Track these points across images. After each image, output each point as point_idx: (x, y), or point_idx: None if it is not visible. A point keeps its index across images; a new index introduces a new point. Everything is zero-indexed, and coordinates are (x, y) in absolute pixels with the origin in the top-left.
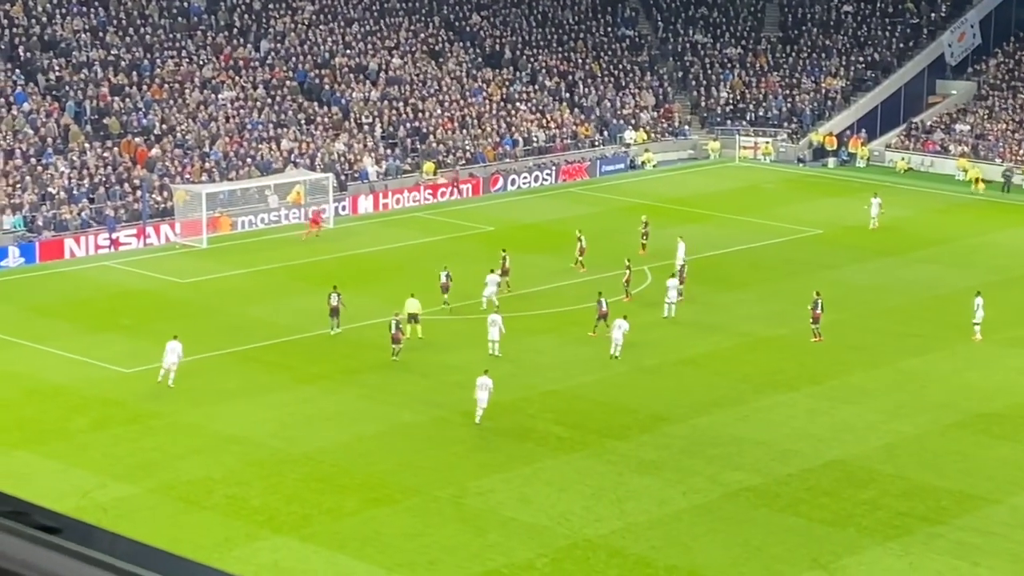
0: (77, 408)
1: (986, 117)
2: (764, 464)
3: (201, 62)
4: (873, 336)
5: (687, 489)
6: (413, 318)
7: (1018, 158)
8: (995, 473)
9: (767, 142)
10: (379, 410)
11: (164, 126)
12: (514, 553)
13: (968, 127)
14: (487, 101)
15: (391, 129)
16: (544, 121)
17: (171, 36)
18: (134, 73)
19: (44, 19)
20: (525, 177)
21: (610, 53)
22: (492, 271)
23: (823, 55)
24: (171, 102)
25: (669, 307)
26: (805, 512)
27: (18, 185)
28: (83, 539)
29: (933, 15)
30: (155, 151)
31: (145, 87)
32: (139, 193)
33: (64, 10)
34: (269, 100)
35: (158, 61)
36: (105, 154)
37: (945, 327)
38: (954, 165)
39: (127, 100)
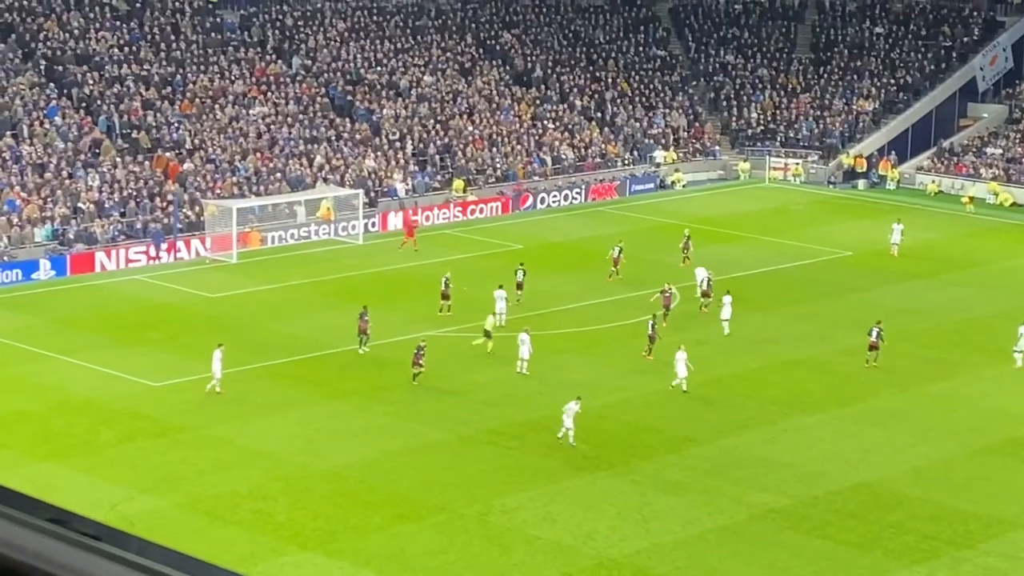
0: (105, 421)
1: (1018, 140)
2: (790, 486)
3: (233, 77)
4: (901, 359)
5: (712, 510)
6: (487, 334)
7: None
8: (1023, 497)
9: (797, 163)
10: (406, 427)
11: (195, 141)
12: (539, 572)
13: (1000, 151)
14: (517, 119)
15: (421, 146)
16: (574, 140)
17: (204, 51)
18: (167, 88)
19: (77, 33)
20: (555, 196)
21: (641, 73)
22: (500, 286)
23: (855, 77)
24: (203, 117)
25: (725, 324)
26: (832, 535)
27: (49, 199)
28: (122, 545)
29: (965, 39)
30: (187, 165)
31: (177, 102)
32: (170, 208)
33: (98, 25)
34: (300, 116)
35: (190, 76)
36: (136, 168)
37: (974, 351)
38: (984, 188)
39: (159, 115)
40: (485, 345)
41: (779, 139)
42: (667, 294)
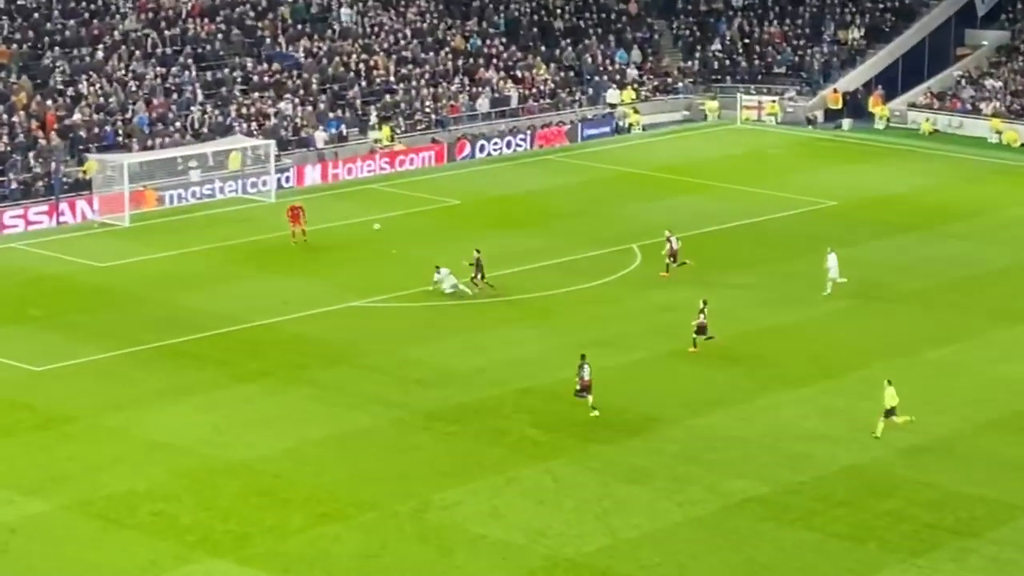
0: None
1: (1022, 71)
2: (771, 471)
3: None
4: (895, 323)
5: (683, 500)
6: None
7: None
8: None
9: (773, 101)
10: (328, 412)
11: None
12: (484, 575)
13: (1001, 83)
14: (450, 55)
15: (340, 89)
16: (518, 78)
17: None
18: (44, 27)
19: None
20: (496, 143)
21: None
22: (438, 268)
23: (836, 2)
24: (87, 60)
25: None
26: (819, 526)
27: None
28: None
29: None
30: (76, 116)
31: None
32: (52, 164)
33: None
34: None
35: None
36: (13, 118)
37: (977, 312)
38: (986, 126)
39: (39, 58)
40: None
41: (751, 74)
42: (670, 240)
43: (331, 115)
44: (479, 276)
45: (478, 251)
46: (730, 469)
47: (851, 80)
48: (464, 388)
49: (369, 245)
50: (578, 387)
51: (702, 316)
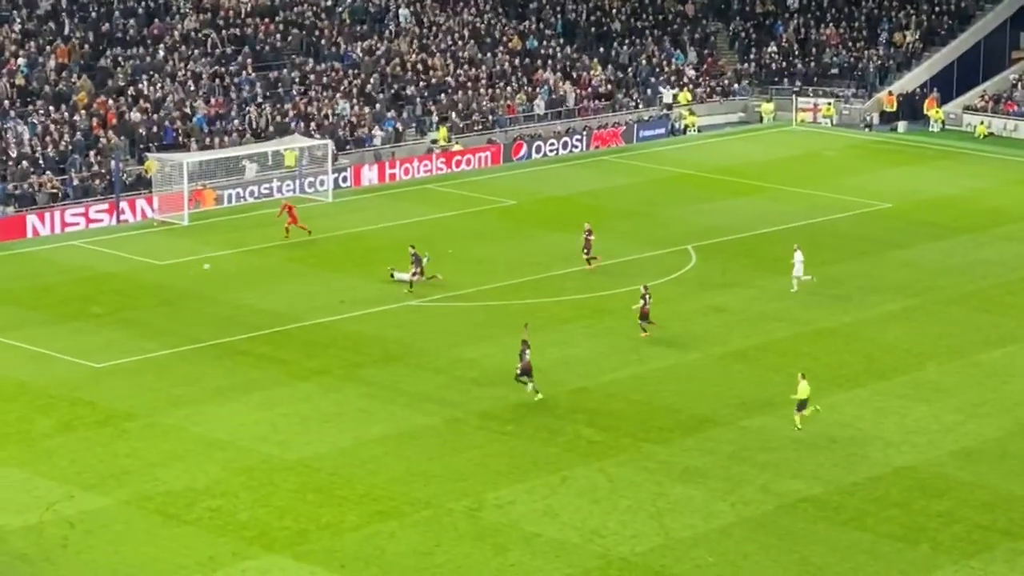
0: (41, 409)
1: None
2: (825, 471)
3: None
4: (949, 325)
5: (736, 500)
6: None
7: None
8: None
9: (828, 103)
10: (385, 411)
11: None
12: (538, 574)
13: None
14: (507, 56)
15: (398, 89)
16: (574, 79)
17: None
18: (104, 26)
19: None
20: (552, 143)
21: (648, 1)
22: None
23: (893, 5)
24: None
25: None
26: (872, 526)
27: None
28: None
29: None
30: (136, 115)
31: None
32: (111, 163)
33: None
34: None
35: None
36: (75, 117)
37: None
38: None
39: (99, 57)
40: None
41: (807, 77)
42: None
43: (388, 115)
44: (419, 273)
45: (413, 247)
46: (784, 469)
47: (906, 83)
48: (519, 388)
49: (427, 245)
50: (518, 371)
51: (643, 302)
